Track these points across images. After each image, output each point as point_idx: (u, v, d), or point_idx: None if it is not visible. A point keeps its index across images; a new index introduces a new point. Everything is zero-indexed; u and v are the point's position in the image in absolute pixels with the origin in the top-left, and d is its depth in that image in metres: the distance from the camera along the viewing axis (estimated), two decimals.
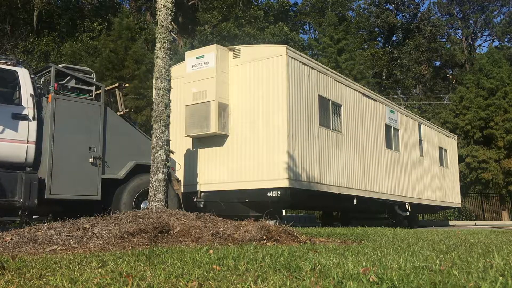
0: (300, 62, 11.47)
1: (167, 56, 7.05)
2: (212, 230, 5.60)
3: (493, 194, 30.38)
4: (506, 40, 47.36)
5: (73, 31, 31.19)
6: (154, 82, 7.23)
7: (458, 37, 49.96)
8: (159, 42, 7.07)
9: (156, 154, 6.74)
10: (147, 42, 26.72)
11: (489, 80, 30.13)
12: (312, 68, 11.99)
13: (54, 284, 2.73)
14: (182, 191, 12.05)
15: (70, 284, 2.71)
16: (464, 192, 30.08)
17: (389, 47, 47.20)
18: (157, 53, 7.06)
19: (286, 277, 2.85)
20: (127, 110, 9.97)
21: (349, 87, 13.87)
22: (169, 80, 7.06)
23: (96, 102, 8.44)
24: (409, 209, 16.62)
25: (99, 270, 3.19)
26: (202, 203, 11.28)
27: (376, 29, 46.89)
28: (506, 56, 38.83)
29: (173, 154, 9.24)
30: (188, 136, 11.60)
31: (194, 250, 4.24)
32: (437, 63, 47.77)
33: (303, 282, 2.68)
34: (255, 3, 37.51)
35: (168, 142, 6.91)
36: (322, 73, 12.47)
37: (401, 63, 43.33)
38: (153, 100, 7.10)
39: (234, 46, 12.16)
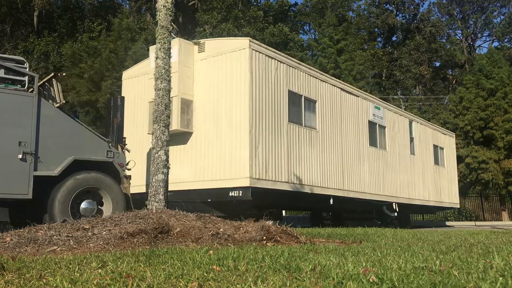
0: (266, 55, 11.01)
1: (167, 57, 7.05)
2: (212, 231, 5.60)
3: (493, 195, 30.38)
4: (506, 40, 47.43)
5: (73, 32, 31.20)
6: (154, 83, 7.20)
7: (458, 37, 50.02)
8: (159, 42, 7.07)
9: (156, 155, 6.74)
10: (147, 42, 26.71)
11: (489, 81, 30.15)
12: (281, 62, 11.49)
13: (54, 285, 2.73)
14: (144, 191, 11.30)
15: (70, 285, 2.71)
16: (464, 193, 30.09)
17: (389, 47, 47.21)
18: (157, 54, 7.06)
19: (286, 277, 2.85)
20: (65, 101, 9.12)
21: (325, 82, 13.28)
22: (169, 81, 7.06)
23: (28, 93, 7.66)
24: (397, 209, 16.01)
25: (99, 270, 3.19)
26: None
27: (376, 30, 46.90)
28: (506, 56, 38.87)
29: (129, 152, 8.90)
30: (151, 133, 11.32)
31: (194, 251, 4.25)
32: (437, 64, 47.79)
33: (303, 282, 2.68)
34: (255, 4, 37.50)
35: (168, 142, 6.91)
36: (293, 67, 11.92)
37: (401, 63, 43.34)
38: (153, 100, 7.08)
39: (199, 40, 11.77)
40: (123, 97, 9.58)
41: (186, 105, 10.88)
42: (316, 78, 12.91)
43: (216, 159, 10.50)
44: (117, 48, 23.65)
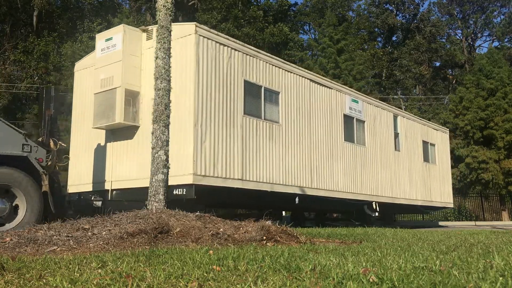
0: (217, 42, 10.21)
1: (167, 57, 7.05)
2: (212, 231, 5.60)
3: (493, 195, 30.39)
4: (506, 40, 47.45)
5: (73, 31, 31.20)
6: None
7: (458, 37, 50.03)
8: (159, 42, 7.07)
9: (156, 155, 6.74)
10: None
11: (489, 81, 30.17)
12: (235, 49, 10.66)
13: (54, 285, 2.73)
14: (91, 189, 10.89)
15: (70, 285, 2.71)
16: (464, 193, 30.11)
17: (389, 47, 47.20)
18: (157, 54, 7.06)
19: (286, 277, 2.85)
20: None
21: (291, 72, 12.30)
22: (169, 81, 7.05)
23: None
24: (377, 208, 15.00)
25: (99, 270, 3.19)
26: (100, 202, 10.27)
27: (376, 30, 46.90)
28: (506, 56, 38.90)
29: (63, 146, 8.38)
30: (95, 127, 10.55)
31: (194, 251, 4.24)
32: (437, 64, 47.82)
33: (303, 282, 2.68)
34: (255, 3, 37.50)
35: (167, 142, 6.91)
36: (250, 56, 11.04)
37: (401, 63, 43.34)
38: (153, 100, 7.05)
39: (147, 27, 10.91)
40: (57, 88, 9.09)
41: (132, 97, 10.10)
42: (280, 68, 11.97)
43: None
44: None
